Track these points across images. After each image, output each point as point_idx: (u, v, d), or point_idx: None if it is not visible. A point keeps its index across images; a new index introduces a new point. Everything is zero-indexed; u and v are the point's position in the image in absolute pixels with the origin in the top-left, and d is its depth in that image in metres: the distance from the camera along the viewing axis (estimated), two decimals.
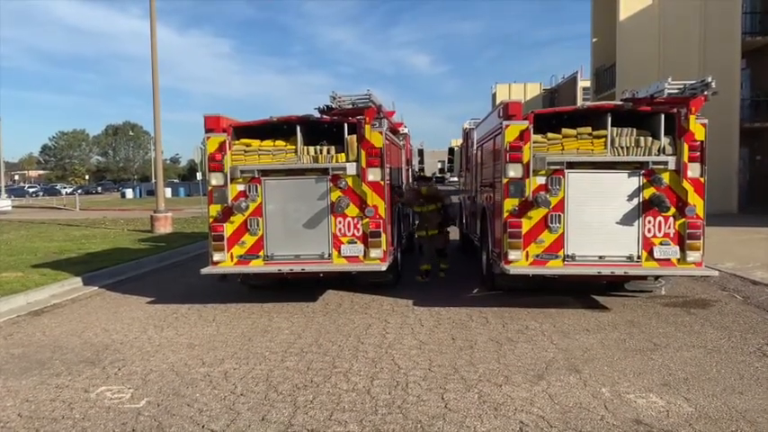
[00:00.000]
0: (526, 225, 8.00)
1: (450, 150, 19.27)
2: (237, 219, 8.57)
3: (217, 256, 8.58)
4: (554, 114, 8.78)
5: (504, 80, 56.96)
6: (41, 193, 73.97)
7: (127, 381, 5.75)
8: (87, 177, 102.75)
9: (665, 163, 7.81)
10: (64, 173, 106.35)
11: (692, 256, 7.79)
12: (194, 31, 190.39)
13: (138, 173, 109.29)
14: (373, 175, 8.45)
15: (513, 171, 8.01)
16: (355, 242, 8.50)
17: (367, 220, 8.45)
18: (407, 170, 14.30)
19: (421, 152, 19.80)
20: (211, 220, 8.62)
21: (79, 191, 69.70)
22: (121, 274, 11.99)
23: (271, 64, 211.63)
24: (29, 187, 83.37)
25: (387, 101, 9.59)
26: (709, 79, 7.18)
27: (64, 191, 70.78)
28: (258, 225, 8.57)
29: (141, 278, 11.84)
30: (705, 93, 7.27)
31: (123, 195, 66.65)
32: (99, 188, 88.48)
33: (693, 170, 7.79)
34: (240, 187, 8.57)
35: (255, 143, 8.72)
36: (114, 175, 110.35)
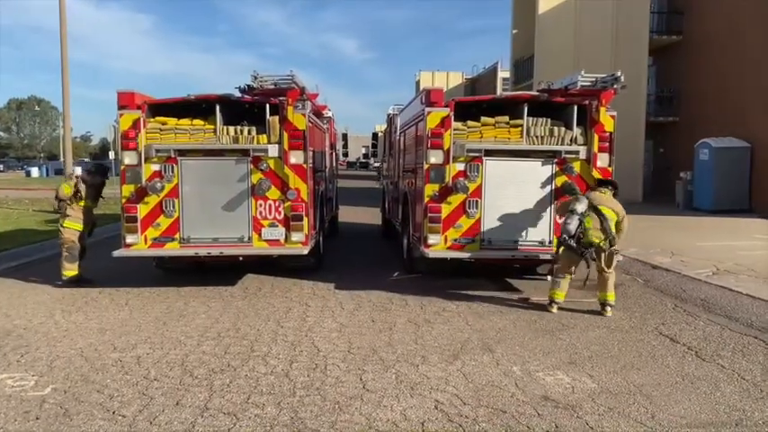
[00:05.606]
0: (445, 210, 8.19)
1: (374, 136, 19.34)
2: (152, 200, 8.28)
3: (130, 239, 8.28)
4: (474, 103, 8.99)
5: (428, 68, 57.36)
6: None
7: (30, 368, 5.47)
8: None
9: (577, 152, 8.20)
10: None
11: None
12: (112, 5, 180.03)
13: (44, 150, 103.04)
14: (296, 157, 8.37)
15: (435, 157, 8.16)
16: (276, 225, 8.41)
17: (289, 203, 8.37)
18: (331, 154, 14.24)
19: (345, 137, 19.74)
20: (124, 200, 8.29)
21: None
22: (26, 257, 11.33)
23: (194, 42, 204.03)
24: None
25: (312, 84, 9.49)
26: (619, 73, 7.58)
27: None
28: (174, 207, 8.30)
29: (48, 261, 11.17)
30: (615, 86, 7.68)
31: (28, 174, 62.61)
32: (1, 166, 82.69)
33: (602, 160, 8.23)
34: (155, 167, 8.27)
35: (172, 121, 8.42)
36: (18, 153, 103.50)
